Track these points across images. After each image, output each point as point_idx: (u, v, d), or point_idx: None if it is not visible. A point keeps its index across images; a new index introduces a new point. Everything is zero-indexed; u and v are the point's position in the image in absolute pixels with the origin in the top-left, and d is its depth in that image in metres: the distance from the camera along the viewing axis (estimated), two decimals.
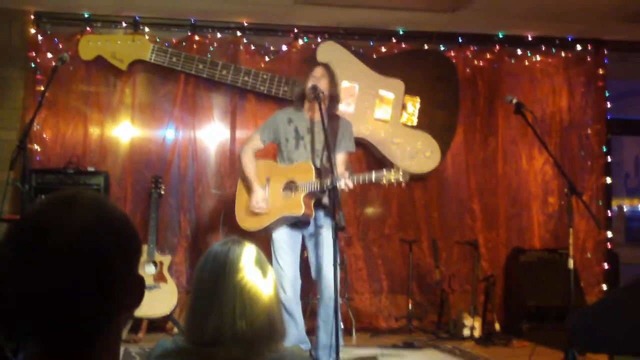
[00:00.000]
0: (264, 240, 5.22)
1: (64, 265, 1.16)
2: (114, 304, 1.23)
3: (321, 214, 5.22)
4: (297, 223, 5.27)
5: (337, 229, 4.42)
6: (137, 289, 1.29)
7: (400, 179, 4.95)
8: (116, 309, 1.24)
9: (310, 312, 6.05)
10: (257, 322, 2.01)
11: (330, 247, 4.50)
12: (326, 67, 5.41)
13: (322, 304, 5.10)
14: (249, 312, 2.00)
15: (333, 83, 5.35)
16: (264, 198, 5.25)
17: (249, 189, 5.38)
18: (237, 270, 2.04)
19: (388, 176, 4.95)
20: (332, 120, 5.29)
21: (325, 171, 5.05)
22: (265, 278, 2.08)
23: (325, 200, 5.11)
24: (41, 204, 1.25)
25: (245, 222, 5.43)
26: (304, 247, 5.36)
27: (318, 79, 5.24)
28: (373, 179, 4.99)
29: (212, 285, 2.04)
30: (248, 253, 2.09)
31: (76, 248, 1.17)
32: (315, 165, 5.18)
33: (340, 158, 5.31)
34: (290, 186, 5.22)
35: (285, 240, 5.25)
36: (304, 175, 5.17)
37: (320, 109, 4.90)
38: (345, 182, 4.95)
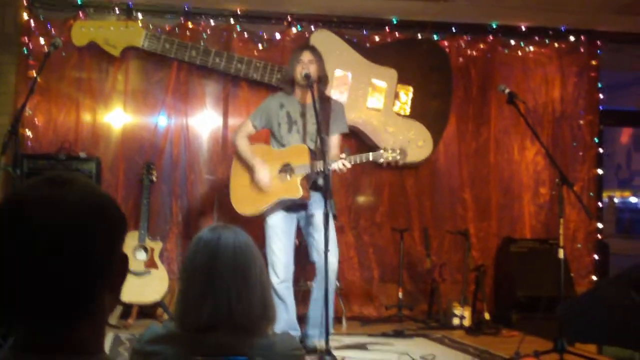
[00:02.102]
0: (256, 224, 5.23)
1: (49, 242, 1.17)
2: (98, 282, 1.24)
3: (316, 197, 5.22)
4: (293, 206, 5.27)
5: (327, 217, 4.44)
6: (121, 266, 1.29)
7: (398, 157, 4.96)
8: (100, 287, 1.24)
9: (301, 298, 6.06)
10: (253, 306, 2.02)
11: (327, 229, 4.52)
12: (313, 50, 5.41)
13: (317, 282, 5.11)
14: (244, 296, 2.01)
15: (321, 65, 5.35)
16: (268, 174, 5.24)
17: (248, 169, 5.36)
18: (231, 255, 2.05)
19: (385, 155, 4.97)
20: (324, 103, 5.29)
21: (319, 153, 5.05)
22: (257, 262, 2.09)
23: (321, 182, 5.12)
24: (32, 182, 1.25)
25: (241, 206, 5.41)
26: (298, 233, 5.37)
27: (307, 65, 5.24)
28: (370, 158, 5.01)
29: (205, 270, 2.04)
30: (239, 238, 2.10)
31: (62, 225, 1.18)
32: (309, 148, 5.18)
33: (334, 140, 5.33)
34: (287, 169, 5.22)
35: (279, 225, 5.25)
36: (299, 158, 5.17)
37: (313, 96, 4.90)
38: (342, 163, 4.96)
